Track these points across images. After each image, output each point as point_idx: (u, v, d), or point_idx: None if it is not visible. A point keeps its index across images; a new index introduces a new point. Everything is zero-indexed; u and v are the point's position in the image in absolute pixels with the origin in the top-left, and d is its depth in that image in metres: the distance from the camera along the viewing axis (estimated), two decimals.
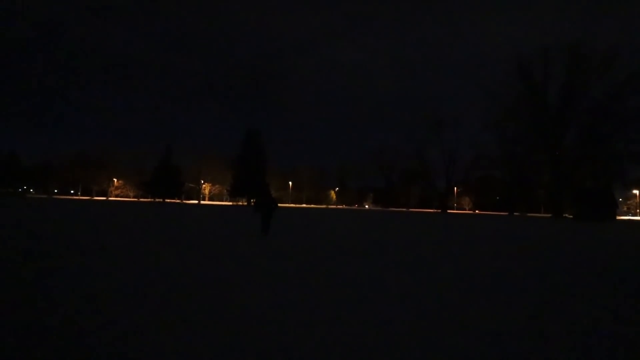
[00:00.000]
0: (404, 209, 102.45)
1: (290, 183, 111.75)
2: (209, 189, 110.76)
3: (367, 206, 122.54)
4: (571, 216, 62.04)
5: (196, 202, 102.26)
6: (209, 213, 31.46)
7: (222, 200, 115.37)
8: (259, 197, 11.92)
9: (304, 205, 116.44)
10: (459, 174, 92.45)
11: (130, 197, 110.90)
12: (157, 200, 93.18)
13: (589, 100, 66.35)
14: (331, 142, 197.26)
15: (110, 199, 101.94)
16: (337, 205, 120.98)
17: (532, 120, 69.25)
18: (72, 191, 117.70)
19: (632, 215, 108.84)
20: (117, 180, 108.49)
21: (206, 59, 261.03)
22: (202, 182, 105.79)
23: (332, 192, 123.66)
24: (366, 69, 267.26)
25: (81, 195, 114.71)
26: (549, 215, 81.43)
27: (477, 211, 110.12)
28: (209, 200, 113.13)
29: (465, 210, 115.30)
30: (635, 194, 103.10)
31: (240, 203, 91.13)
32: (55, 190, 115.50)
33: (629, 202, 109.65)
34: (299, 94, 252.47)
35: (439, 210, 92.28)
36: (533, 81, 69.35)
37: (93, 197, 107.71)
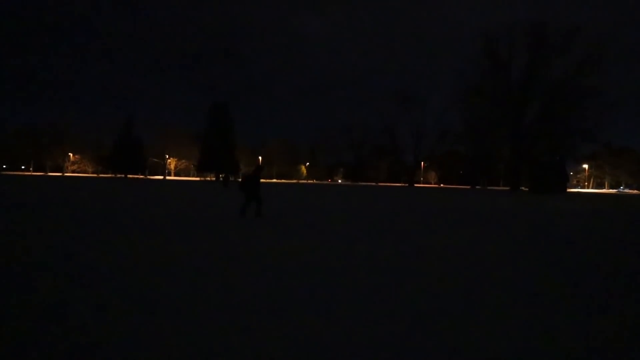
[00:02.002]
0: (373, 183, 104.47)
1: (260, 158, 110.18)
2: (175, 164, 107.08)
3: (339, 181, 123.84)
4: (527, 189, 66.05)
5: (161, 177, 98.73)
6: (177, 189, 30.49)
7: (189, 176, 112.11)
8: (247, 177, 10.90)
9: (275, 180, 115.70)
10: (425, 150, 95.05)
11: (88, 173, 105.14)
12: (118, 175, 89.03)
13: (550, 78, 69.38)
14: (301, 116, 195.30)
15: (66, 174, 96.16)
16: (307, 180, 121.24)
17: (496, 96, 71.68)
18: (23, 167, 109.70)
19: (581, 188, 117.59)
20: (73, 155, 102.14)
21: (169, 27, 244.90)
22: (167, 157, 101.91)
23: (303, 167, 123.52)
24: (335, 43, 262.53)
25: (33, 171, 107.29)
26: (507, 188, 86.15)
27: (442, 185, 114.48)
28: (174, 175, 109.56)
29: (431, 184, 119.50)
30: (585, 168, 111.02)
31: (209, 178, 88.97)
32: (4, 166, 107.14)
33: (578, 175, 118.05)
34: (268, 67, 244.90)
35: (407, 185, 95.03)
36: (498, 58, 71.26)
37: (47, 173, 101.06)
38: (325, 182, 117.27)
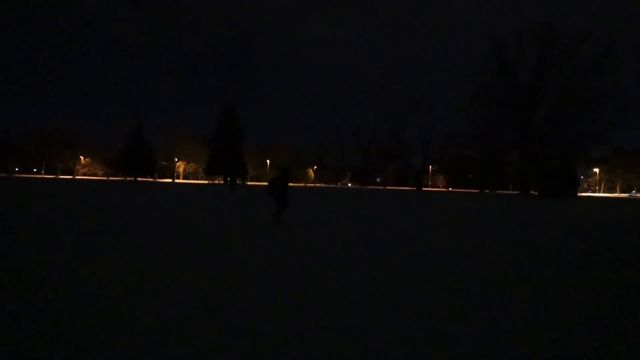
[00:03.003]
0: (381, 187, 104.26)
1: (267, 161, 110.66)
2: (184, 167, 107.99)
3: (349, 184, 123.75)
4: (537, 193, 65.23)
5: (170, 180, 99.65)
6: (190, 192, 30.81)
7: (198, 179, 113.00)
8: (275, 181, 9.90)
9: None
10: (433, 153, 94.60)
11: (98, 176, 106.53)
12: (128, 178, 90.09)
13: (559, 81, 68.66)
14: (309, 120, 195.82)
15: (77, 177, 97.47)
16: (315, 184, 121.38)
17: (504, 99, 71.06)
18: (34, 170, 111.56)
19: (592, 192, 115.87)
20: (84, 158, 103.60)
21: (180, 32, 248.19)
22: (176, 160, 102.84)
23: (311, 171, 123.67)
24: (344, 46, 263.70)
25: (45, 174, 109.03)
26: (517, 192, 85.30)
27: (450, 189, 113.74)
28: (183, 179, 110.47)
29: (439, 188, 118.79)
30: (596, 172, 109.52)
31: (217, 181, 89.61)
32: (17, 169, 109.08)
33: (589, 179, 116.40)
34: (277, 71, 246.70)
35: (415, 188, 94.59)
36: (506, 61, 70.77)
37: (58, 175, 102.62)
38: (334, 185, 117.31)
